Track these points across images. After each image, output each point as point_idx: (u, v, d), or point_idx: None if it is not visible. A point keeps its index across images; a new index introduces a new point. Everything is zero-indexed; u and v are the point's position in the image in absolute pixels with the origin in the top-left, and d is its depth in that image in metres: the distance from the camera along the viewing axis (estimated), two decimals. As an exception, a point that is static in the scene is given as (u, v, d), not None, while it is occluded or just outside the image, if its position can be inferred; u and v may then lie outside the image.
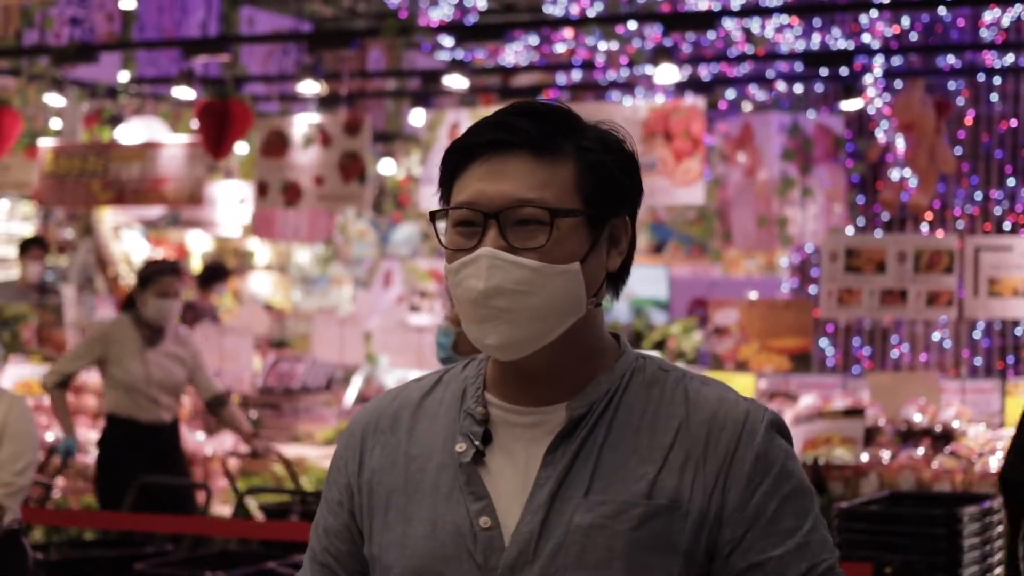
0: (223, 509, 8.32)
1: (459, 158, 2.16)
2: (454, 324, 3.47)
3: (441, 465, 2.19)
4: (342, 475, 2.29)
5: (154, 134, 12.27)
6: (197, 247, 17.42)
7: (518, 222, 2.10)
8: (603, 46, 11.86)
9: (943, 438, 7.53)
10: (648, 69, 10.50)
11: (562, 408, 2.17)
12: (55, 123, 13.07)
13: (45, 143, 12.04)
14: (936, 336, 11.53)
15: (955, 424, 7.66)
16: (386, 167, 15.60)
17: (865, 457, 7.12)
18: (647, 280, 13.94)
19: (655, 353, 11.94)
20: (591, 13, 11.34)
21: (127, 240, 16.54)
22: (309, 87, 10.90)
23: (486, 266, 2.08)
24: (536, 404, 2.18)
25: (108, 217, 15.74)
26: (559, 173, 2.13)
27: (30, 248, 12.23)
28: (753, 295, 11.23)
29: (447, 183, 2.19)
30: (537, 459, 2.15)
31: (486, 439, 2.18)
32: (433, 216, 2.20)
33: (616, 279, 2.23)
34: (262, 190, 11.27)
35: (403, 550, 2.18)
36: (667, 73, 9.68)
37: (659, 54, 9.70)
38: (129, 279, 15.68)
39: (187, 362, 7.88)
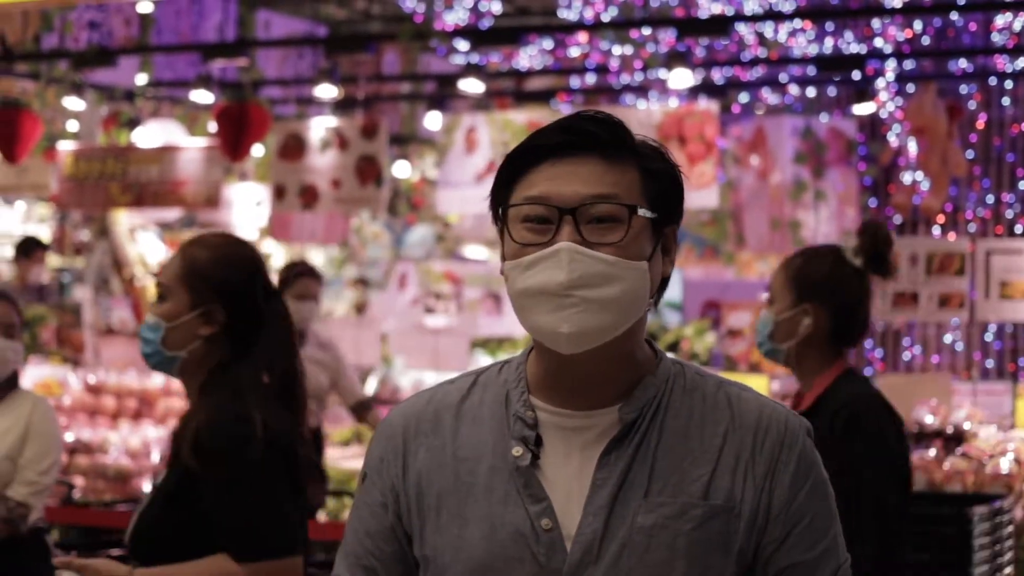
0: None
1: (524, 160, 2.22)
2: (165, 319, 3.50)
3: (492, 468, 2.24)
4: (384, 477, 2.32)
5: (171, 137, 12.34)
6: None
7: (592, 219, 2.16)
8: (617, 50, 11.90)
9: (954, 439, 7.57)
10: (662, 73, 10.56)
11: (610, 412, 2.22)
12: (72, 126, 13.14)
13: (64, 146, 12.11)
14: (948, 338, 11.56)
15: (966, 426, 7.70)
16: (401, 169, 15.66)
17: (877, 458, 7.15)
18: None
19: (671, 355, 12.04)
20: (605, 17, 11.39)
21: (143, 242, 16.62)
22: (326, 91, 10.97)
23: (567, 259, 2.13)
24: (584, 408, 2.23)
25: (124, 219, 15.81)
26: (626, 176, 2.20)
27: (32, 250, 12.09)
28: (765, 297, 11.28)
29: (507, 184, 2.24)
30: (590, 462, 2.21)
31: (537, 442, 2.23)
32: (497, 214, 2.24)
33: (661, 288, 2.30)
34: (279, 193, 11.35)
35: (460, 552, 2.22)
36: (680, 77, 9.73)
37: (672, 58, 9.75)
38: (145, 280, 15.77)
39: (329, 366, 7.62)
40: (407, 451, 2.31)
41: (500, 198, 2.26)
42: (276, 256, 18.48)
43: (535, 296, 2.17)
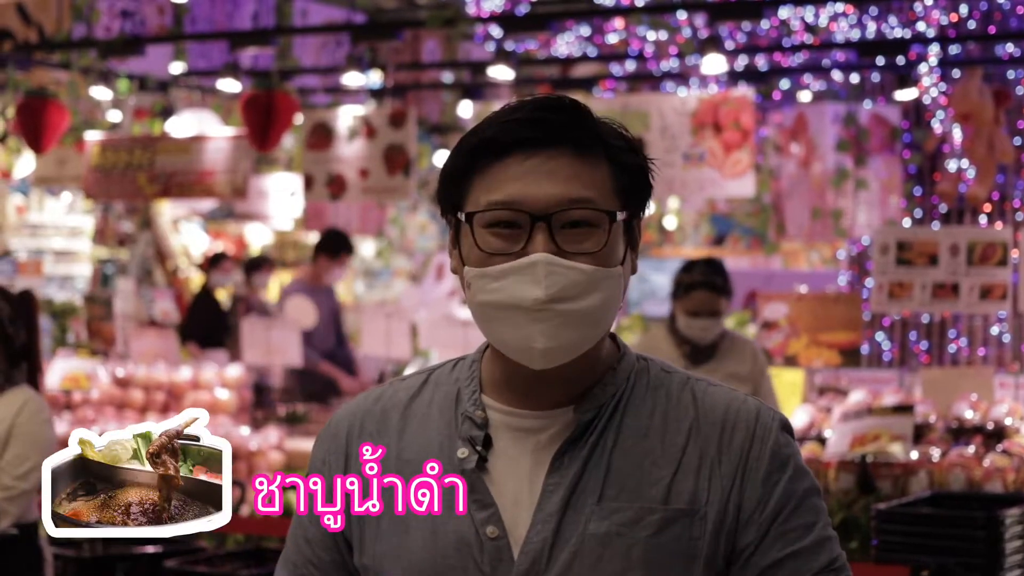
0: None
1: (484, 155, 2.06)
2: None
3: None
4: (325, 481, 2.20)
5: (205, 127, 12.25)
6: (257, 240, 17.47)
7: (566, 224, 2.02)
8: (652, 36, 11.75)
9: (995, 436, 7.34)
10: (697, 60, 10.39)
11: (566, 412, 2.10)
12: (114, 116, 13.08)
13: (92, 136, 12.05)
14: (995, 330, 11.33)
15: (1008, 421, 7.47)
16: (442, 159, 15.57)
17: (915, 455, 6.95)
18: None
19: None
20: (640, 2, 11.19)
21: (186, 233, 16.61)
22: (355, 79, 10.85)
23: (544, 272, 1.99)
24: (540, 408, 2.11)
25: (167, 210, 15.79)
26: (598, 173, 2.05)
27: (339, 248, 11.67)
28: (802, 288, 11.07)
29: (463, 180, 2.07)
30: (542, 465, 2.08)
31: (487, 444, 2.11)
32: (454, 214, 2.09)
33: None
34: (308, 183, 11.23)
35: (400, 560, 2.10)
36: (714, 63, 9.55)
37: (706, 44, 9.58)
38: (188, 272, 15.75)
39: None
40: (349, 452, 2.18)
41: (454, 195, 2.09)
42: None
43: (507, 310, 2.03)
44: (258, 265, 12.62)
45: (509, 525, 2.06)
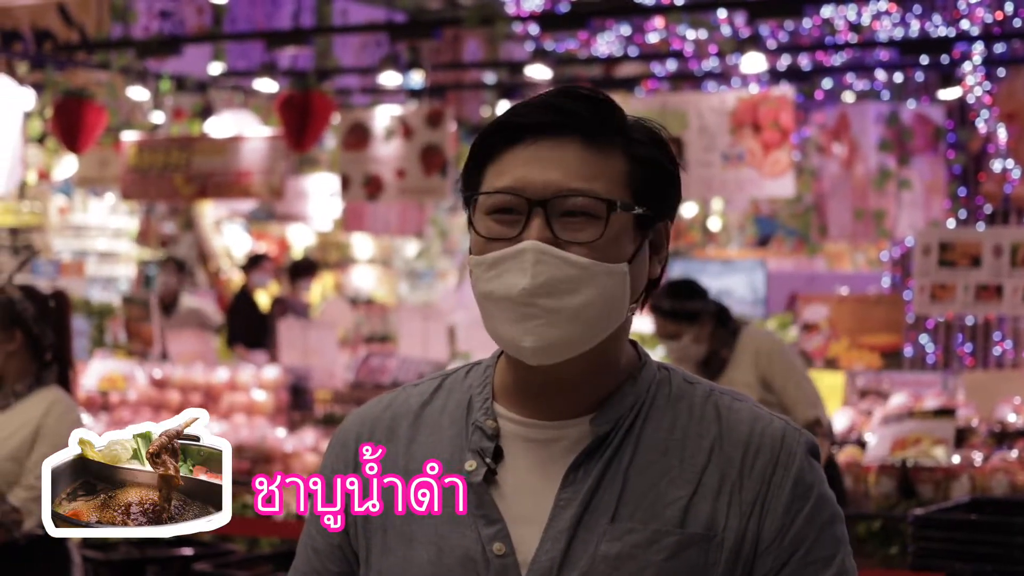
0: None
1: (498, 140, 1.96)
2: None
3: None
4: None
5: (244, 128, 12.23)
6: (299, 241, 17.46)
7: (565, 213, 1.91)
8: (691, 35, 11.64)
9: (1039, 440, 7.22)
10: (737, 59, 10.30)
11: (582, 423, 1.99)
12: (158, 117, 13.08)
13: (129, 137, 12.04)
14: (1041, 333, 11.18)
15: (1052, 426, 7.35)
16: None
17: (956, 459, 6.83)
18: (746, 274, 13.68)
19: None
20: (679, 1, 11.10)
21: (228, 234, 16.61)
22: (392, 79, 10.80)
23: (532, 261, 1.89)
24: (554, 418, 2.00)
25: (209, 211, 15.80)
26: (610, 164, 1.94)
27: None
28: (844, 290, 10.94)
29: (479, 165, 1.98)
30: (555, 479, 1.97)
31: (497, 455, 2.00)
32: (467, 200, 2.00)
33: (650, 289, 2.05)
34: (345, 183, 11.19)
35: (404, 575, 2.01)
36: (753, 62, 9.45)
37: (745, 43, 9.48)
38: (230, 273, 15.75)
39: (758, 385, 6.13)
40: (358, 462, 2.08)
41: (470, 182, 2.00)
42: (364, 248, 18.42)
43: (498, 302, 1.92)
44: (304, 269, 12.59)
45: (517, 542, 1.96)
